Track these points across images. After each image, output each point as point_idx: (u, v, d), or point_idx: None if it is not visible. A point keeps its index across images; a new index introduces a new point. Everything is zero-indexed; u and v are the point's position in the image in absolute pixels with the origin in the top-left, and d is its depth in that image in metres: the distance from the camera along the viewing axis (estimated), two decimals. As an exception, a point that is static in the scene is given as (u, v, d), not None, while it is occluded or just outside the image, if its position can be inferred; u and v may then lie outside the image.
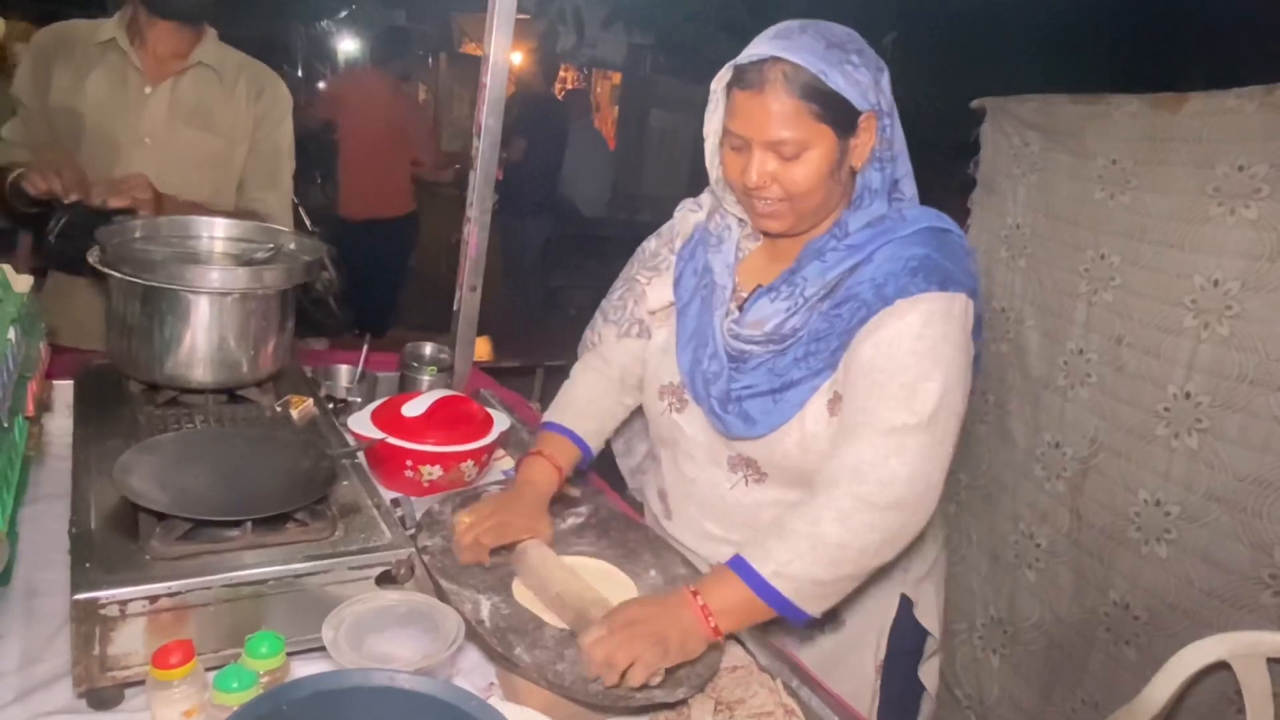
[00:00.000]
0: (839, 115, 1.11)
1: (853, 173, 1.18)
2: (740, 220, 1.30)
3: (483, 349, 3.66)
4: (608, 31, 4.41)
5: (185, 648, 0.92)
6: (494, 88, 1.74)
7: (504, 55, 1.74)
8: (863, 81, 1.11)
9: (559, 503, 1.38)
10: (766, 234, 1.25)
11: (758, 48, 1.11)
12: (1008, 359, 2.53)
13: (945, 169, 3.03)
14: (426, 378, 1.81)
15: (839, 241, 1.18)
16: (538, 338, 4.45)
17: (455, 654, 1.02)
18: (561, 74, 6.43)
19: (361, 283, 4.74)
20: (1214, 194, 1.94)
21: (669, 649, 1.01)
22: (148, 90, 1.80)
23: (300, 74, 8.31)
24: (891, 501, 1.06)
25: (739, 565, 1.08)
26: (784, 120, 1.09)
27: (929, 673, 1.40)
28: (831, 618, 1.27)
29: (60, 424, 1.43)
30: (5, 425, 1.05)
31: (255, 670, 0.94)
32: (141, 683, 0.94)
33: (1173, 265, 2.03)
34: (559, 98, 5.61)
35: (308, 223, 5.17)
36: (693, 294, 1.32)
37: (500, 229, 4.99)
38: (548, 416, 1.44)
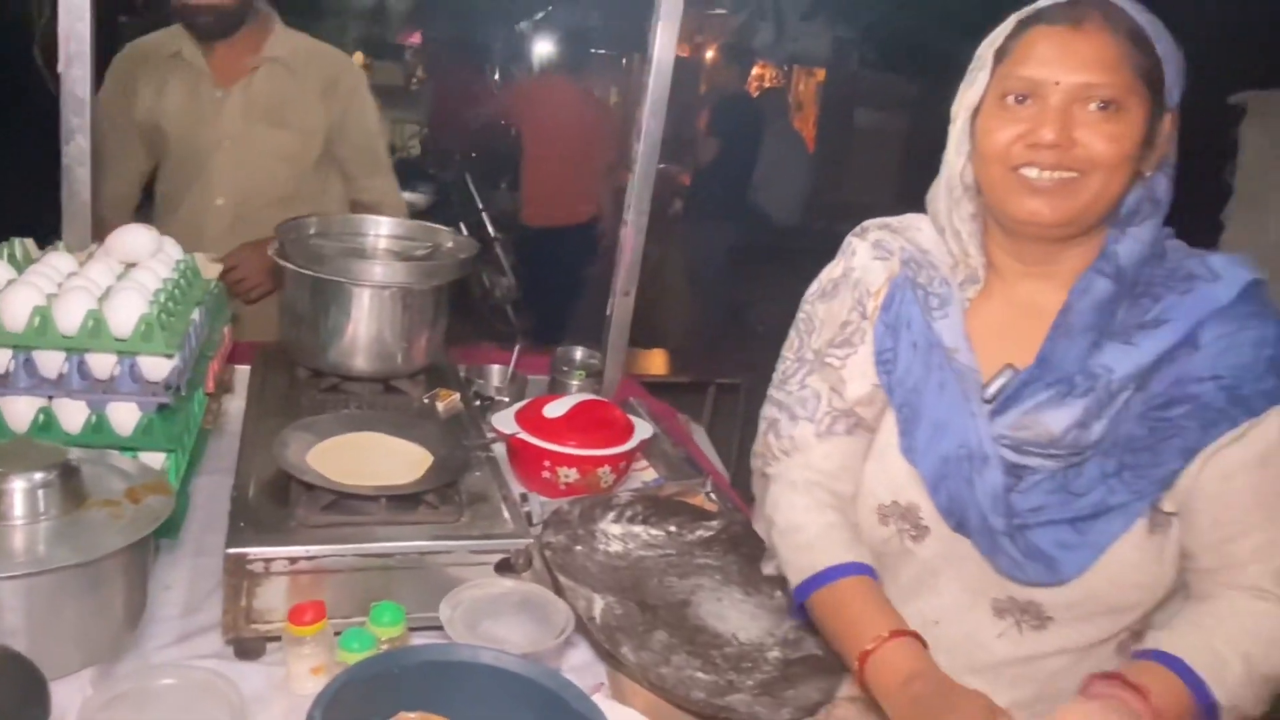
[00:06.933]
0: (1155, 87, 1.00)
1: (1136, 178, 1.04)
2: (952, 265, 1.14)
3: (658, 362, 3.81)
4: (810, 25, 4.47)
5: (317, 608, 1.10)
6: (656, 88, 1.87)
7: (669, 54, 1.87)
8: (1177, 66, 1.02)
9: (686, 514, 1.47)
10: (1025, 229, 1.06)
11: None
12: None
13: (1193, 176, 2.85)
14: (575, 382, 1.95)
15: (1113, 283, 1.04)
16: (717, 354, 4.55)
17: (562, 645, 1.15)
18: (759, 71, 6.57)
19: (541, 290, 5.08)
20: None
21: None
22: (220, 94, 2.05)
23: (498, 77, 8.99)
24: None
25: (1192, 681, 0.95)
26: (1104, 62, 0.98)
27: None
28: None
29: (239, 405, 1.69)
30: (184, 395, 1.30)
31: (377, 636, 1.11)
32: (281, 638, 1.13)
33: None
34: (753, 96, 5.73)
35: (490, 229, 5.62)
36: (922, 378, 1.11)
37: (684, 236, 5.16)
38: (811, 557, 1.13)
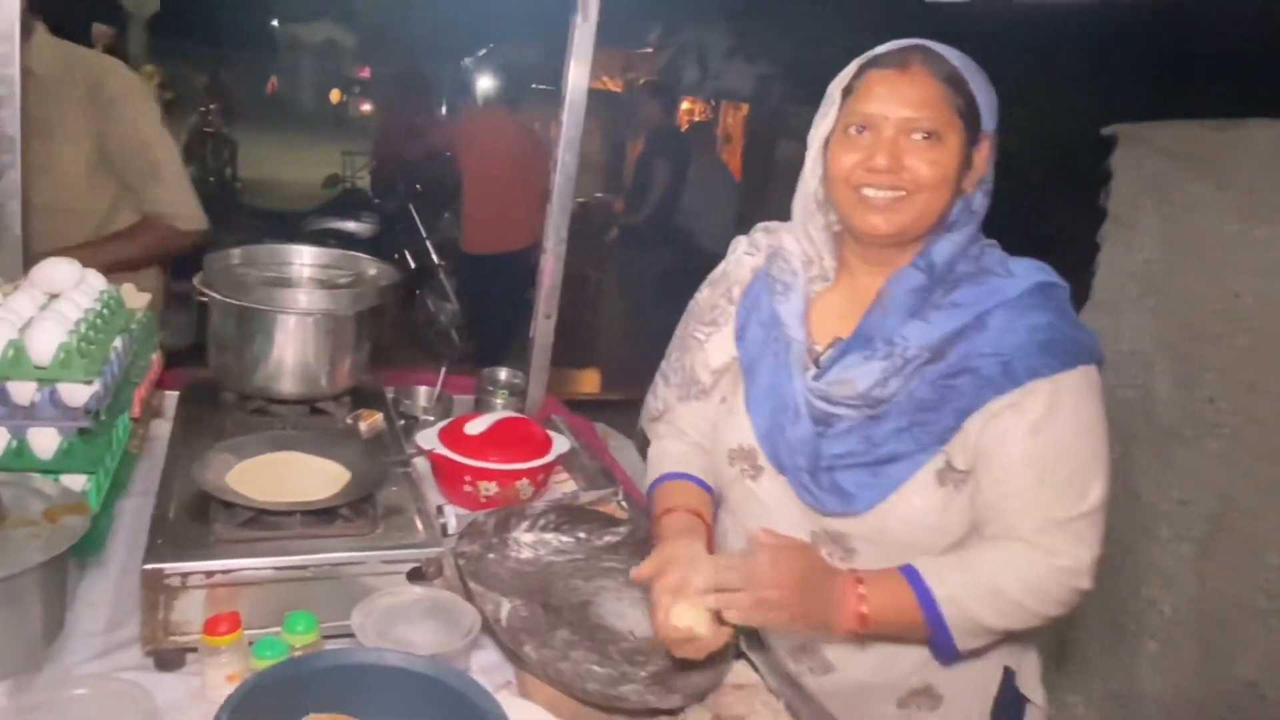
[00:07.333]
0: (971, 118, 1.16)
1: (958, 194, 1.19)
2: (806, 261, 1.30)
3: (591, 380, 3.86)
4: (733, 62, 4.58)
5: (233, 619, 1.12)
6: (570, 124, 1.93)
7: (581, 91, 1.93)
8: (989, 100, 1.18)
9: (596, 521, 1.51)
10: (867, 239, 1.21)
11: (896, 43, 1.18)
12: (1135, 407, 2.46)
13: (1075, 201, 2.98)
14: (500, 401, 1.99)
15: (925, 277, 1.18)
16: (651, 372, 4.61)
17: (469, 646, 1.18)
18: (688, 106, 6.69)
19: (485, 315, 5.10)
20: (1356, 226, 1.87)
21: (807, 627, 1.13)
22: None
23: (444, 111, 9.04)
24: (1078, 585, 1.14)
25: (912, 576, 1.14)
26: (925, 100, 1.13)
27: None
28: (926, 695, 1.26)
29: (169, 429, 1.70)
30: (105, 420, 1.31)
31: (290, 643, 1.13)
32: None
33: (1312, 305, 1.96)
34: (682, 130, 5.83)
35: (434, 257, 5.62)
36: (761, 348, 1.31)
37: (619, 261, 5.22)
38: (655, 473, 1.42)
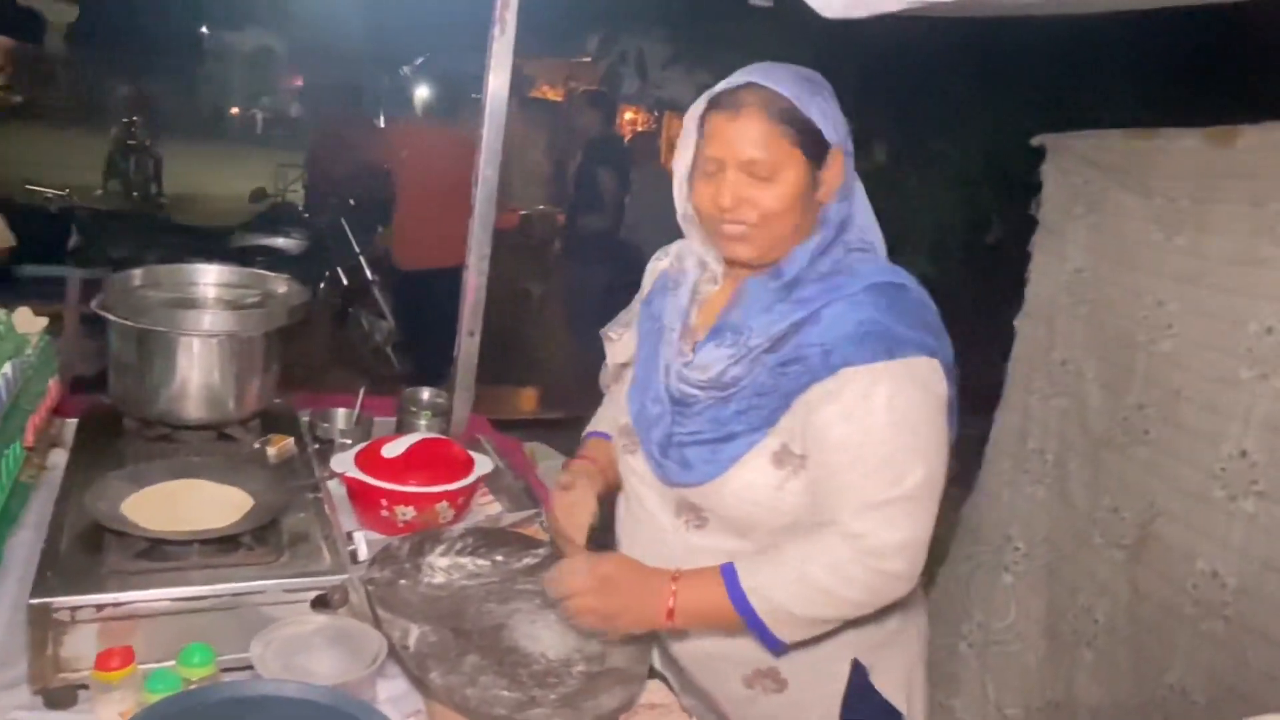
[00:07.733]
0: (811, 143, 1.24)
1: (819, 206, 1.28)
2: (700, 264, 1.40)
3: (529, 399, 3.85)
4: (673, 72, 4.63)
5: (125, 653, 1.10)
6: (490, 137, 1.94)
7: (501, 102, 1.94)
8: (832, 115, 1.26)
9: (515, 543, 1.51)
10: (734, 261, 1.32)
11: (735, 78, 1.27)
12: (1069, 415, 2.53)
13: (1017, 212, 3.06)
14: (423, 422, 1.98)
15: (776, 282, 1.28)
16: (594, 386, 4.62)
17: (374, 674, 1.17)
18: (631, 116, 6.73)
19: (421, 333, 5.06)
20: (1269, 234, 1.94)
21: (624, 626, 1.26)
22: None
23: (382, 123, 8.98)
24: (883, 567, 1.20)
25: (728, 571, 1.23)
26: (759, 142, 1.22)
27: None
28: (772, 678, 1.33)
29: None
30: (-10, 448, 1.28)
31: (185, 677, 1.11)
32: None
33: (1229, 312, 2.03)
34: (624, 139, 5.86)
35: (368, 273, 5.55)
36: (645, 339, 1.46)
37: (562, 276, 5.22)
38: (590, 428, 1.62)
